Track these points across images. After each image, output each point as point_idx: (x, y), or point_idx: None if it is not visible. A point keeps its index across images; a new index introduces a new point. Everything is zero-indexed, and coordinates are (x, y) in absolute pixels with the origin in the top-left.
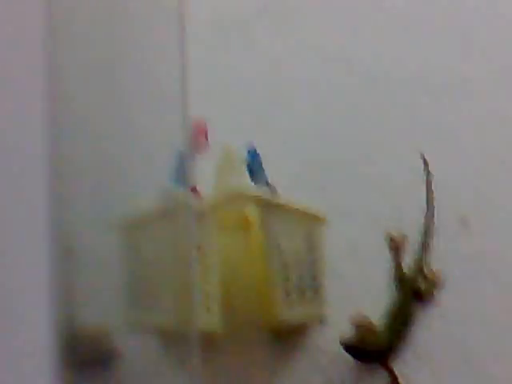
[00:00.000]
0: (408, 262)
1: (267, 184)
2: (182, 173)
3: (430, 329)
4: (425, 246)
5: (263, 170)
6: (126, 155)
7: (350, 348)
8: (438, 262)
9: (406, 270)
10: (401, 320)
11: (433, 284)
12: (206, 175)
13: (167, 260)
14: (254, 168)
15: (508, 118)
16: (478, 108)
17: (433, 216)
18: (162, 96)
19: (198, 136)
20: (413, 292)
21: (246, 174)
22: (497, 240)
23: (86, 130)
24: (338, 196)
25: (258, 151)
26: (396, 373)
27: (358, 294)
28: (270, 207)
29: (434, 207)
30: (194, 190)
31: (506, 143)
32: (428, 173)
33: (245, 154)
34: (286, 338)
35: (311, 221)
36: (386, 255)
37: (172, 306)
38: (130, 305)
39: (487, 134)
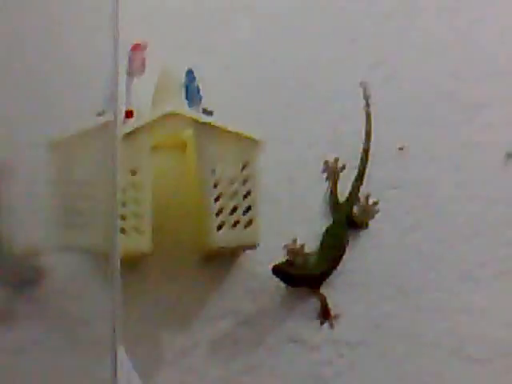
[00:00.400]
0: (344, 189)
1: (204, 107)
2: (115, 94)
3: (363, 257)
4: (361, 174)
5: (200, 93)
6: (58, 76)
7: (280, 273)
8: (374, 191)
9: (341, 197)
10: (334, 247)
11: (368, 212)
12: (143, 97)
13: (97, 181)
14: (191, 90)
15: (449, 48)
16: (420, 38)
17: (370, 144)
18: (93, 18)
19: (136, 58)
20: (347, 219)
21: (183, 96)
22: (433, 169)
23: (18, 50)
24: (276, 121)
25: (195, 74)
26: (327, 299)
27: (293, 219)
28: (205, 130)
29: (371, 135)
30: (129, 112)
31: (447, 73)
32: (367, 100)
33: (182, 77)
34: (218, 261)
35: (247, 145)
36: (322, 182)
37: (101, 227)
38: (59, 225)
39: (428, 64)
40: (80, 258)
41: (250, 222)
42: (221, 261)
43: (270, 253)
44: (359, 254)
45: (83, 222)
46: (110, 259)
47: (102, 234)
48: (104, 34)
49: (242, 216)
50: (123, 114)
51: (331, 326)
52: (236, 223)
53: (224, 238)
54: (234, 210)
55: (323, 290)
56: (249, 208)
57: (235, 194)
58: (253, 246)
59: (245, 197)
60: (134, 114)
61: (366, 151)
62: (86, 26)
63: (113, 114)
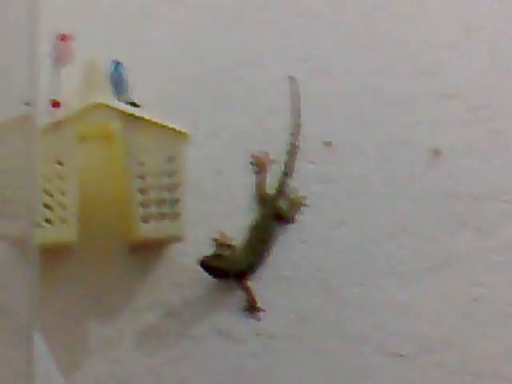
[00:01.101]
0: (271, 183)
1: (131, 99)
2: (35, 84)
3: (290, 250)
4: (288, 168)
5: (127, 85)
6: None
7: (207, 266)
8: (302, 185)
9: (268, 190)
10: (260, 240)
11: (294, 206)
12: (70, 88)
13: (19, 170)
14: (118, 82)
15: (378, 44)
16: (349, 33)
17: (298, 138)
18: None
19: (62, 48)
20: (274, 213)
21: (110, 87)
22: (360, 165)
23: None
24: (204, 114)
25: (123, 65)
26: (254, 292)
27: (220, 212)
28: (132, 122)
29: (299, 129)
30: (56, 102)
31: (375, 70)
32: (295, 94)
33: (110, 68)
34: (145, 253)
35: (174, 138)
36: (250, 175)
37: (22, 216)
38: None
39: (356, 60)
40: (1, 247)
41: (176, 215)
42: (148, 253)
43: (197, 245)
44: (286, 247)
45: (5, 211)
46: (28, 248)
47: (23, 223)
48: (26, 24)
49: (168, 208)
50: (50, 104)
51: (257, 318)
52: (162, 216)
53: (149, 230)
54: (161, 202)
55: (250, 282)
56: (175, 201)
57: (161, 186)
58: (179, 239)
59: (171, 189)
60: (62, 104)
61: (293, 145)
62: (7, 15)
63: (36, 103)
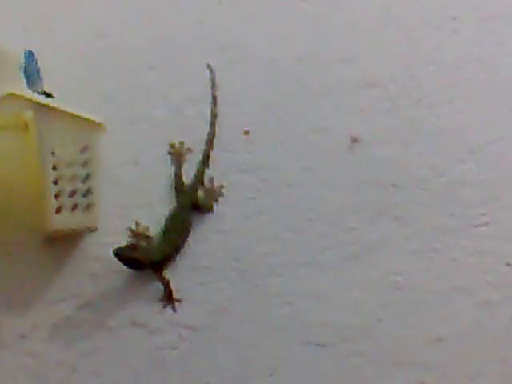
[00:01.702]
0: (189, 173)
1: (44, 89)
2: None
3: (207, 240)
4: (206, 158)
5: (40, 74)
6: None
7: (122, 256)
8: (219, 174)
9: (186, 180)
10: (178, 230)
11: (212, 196)
12: None
13: None
14: (31, 72)
15: (296, 32)
16: (268, 21)
17: (216, 127)
18: None
19: None
20: (191, 203)
21: (23, 77)
22: (279, 154)
23: None
24: (121, 102)
25: (35, 55)
26: (170, 283)
27: (137, 203)
28: (44, 112)
29: (217, 118)
30: None
31: (294, 58)
32: (213, 83)
33: (22, 58)
34: (60, 244)
35: (87, 127)
36: (168, 165)
37: None
38: None
39: (275, 48)
40: None
41: (90, 205)
42: (62, 244)
43: (112, 236)
44: (203, 237)
45: None
46: None
47: None
48: None
49: (81, 199)
50: None
51: (174, 309)
52: (75, 206)
53: (62, 220)
54: (74, 193)
55: (166, 273)
56: (89, 191)
57: (74, 176)
58: (93, 229)
59: (85, 180)
60: None
61: (211, 135)
62: None
63: None
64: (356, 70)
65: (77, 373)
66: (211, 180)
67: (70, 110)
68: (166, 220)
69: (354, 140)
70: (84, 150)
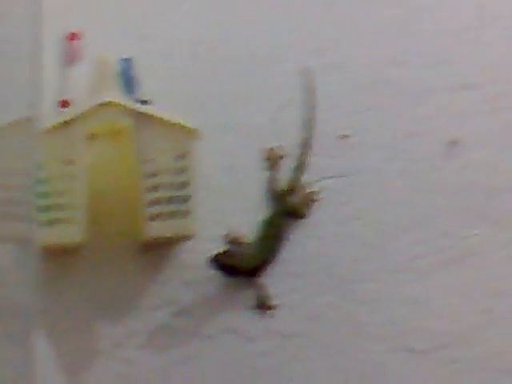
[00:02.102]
0: (284, 178)
1: (141, 96)
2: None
3: (302, 247)
4: (301, 163)
5: (137, 82)
6: None
7: (218, 263)
8: (315, 180)
9: (281, 186)
10: (273, 237)
11: (307, 202)
12: (80, 87)
13: (20, 172)
14: (128, 79)
15: (393, 35)
16: (364, 25)
17: (311, 132)
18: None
19: (72, 47)
20: (286, 209)
21: (120, 85)
22: (374, 159)
23: None
24: (216, 109)
25: (132, 62)
26: (265, 290)
27: (232, 209)
28: (141, 119)
29: (313, 122)
30: (64, 101)
31: (389, 61)
32: (309, 88)
33: (119, 65)
34: (155, 251)
35: (184, 134)
36: (262, 171)
37: (24, 218)
38: None
39: (371, 52)
40: (7, 248)
41: (186, 213)
42: (158, 251)
43: (208, 243)
44: (298, 243)
45: (7, 212)
46: (29, 249)
47: (25, 224)
48: (28, 24)
49: (177, 206)
50: (59, 104)
51: (269, 316)
52: (172, 214)
53: (159, 228)
54: (171, 200)
55: (262, 280)
56: (186, 198)
57: (171, 184)
58: (189, 237)
59: (181, 187)
60: (70, 103)
61: (306, 140)
62: (9, 16)
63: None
64: (453, 71)
65: (171, 380)
66: (306, 185)
67: (166, 116)
68: (261, 226)
69: (453, 143)
70: (181, 156)
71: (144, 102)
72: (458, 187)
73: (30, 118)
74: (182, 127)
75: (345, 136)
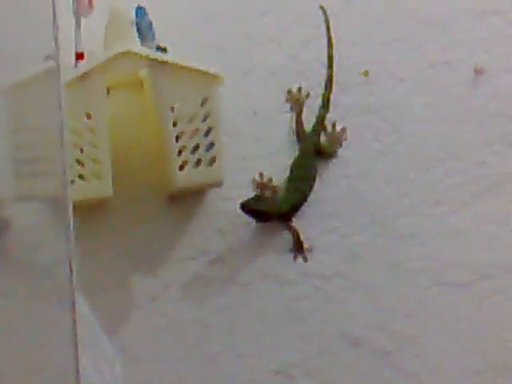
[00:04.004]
0: (310, 118)
1: (158, 44)
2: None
3: (333, 186)
4: (326, 101)
5: (153, 29)
6: (6, 22)
7: (249, 209)
8: (341, 118)
9: (307, 126)
10: (303, 178)
11: (335, 140)
12: (94, 38)
13: (47, 128)
14: (143, 27)
15: None
16: None
17: (333, 69)
18: None
19: None
20: (315, 149)
21: (136, 34)
22: (400, 92)
23: None
24: (235, 52)
25: (146, 10)
26: (299, 232)
27: (259, 153)
28: (160, 67)
29: (333, 60)
30: (79, 54)
31: None
32: (327, 24)
33: (133, 14)
34: (184, 201)
35: (206, 81)
36: (287, 113)
37: (54, 175)
38: (15, 174)
39: None
40: (39, 207)
41: (213, 160)
42: (187, 200)
43: (237, 189)
44: (329, 183)
45: (35, 170)
46: (61, 206)
47: (55, 181)
48: None
49: (204, 153)
50: (75, 57)
51: (305, 259)
52: (199, 161)
53: (187, 177)
54: (196, 147)
55: (294, 222)
56: (211, 145)
57: (196, 131)
58: (218, 184)
59: (206, 134)
60: (85, 55)
61: (329, 77)
62: None
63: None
64: None
65: (210, 330)
66: (333, 124)
67: (186, 63)
68: (291, 168)
69: (478, 71)
70: (203, 103)
71: (161, 50)
72: (487, 115)
73: (53, 70)
74: (203, 73)
75: (365, 72)
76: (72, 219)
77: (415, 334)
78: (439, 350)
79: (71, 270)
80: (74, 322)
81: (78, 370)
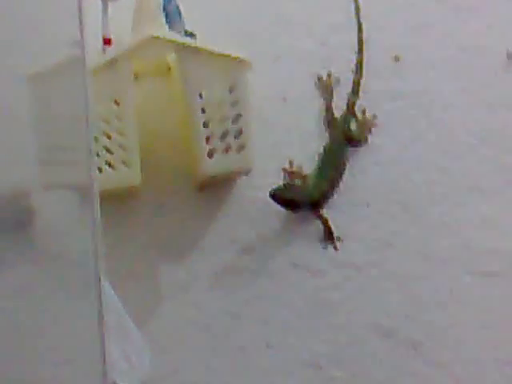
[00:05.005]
0: (340, 104)
1: (186, 29)
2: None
3: (364, 174)
4: (356, 88)
5: (181, 14)
6: (32, 8)
7: (279, 198)
8: (371, 104)
9: (337, 113)
10: (333, 166)
11: (365, 127)
12: (122, 23)
13: (74, 115)
14: (171, 12)
15: None
16: None
17: (363, 55)
18: None
19: None
20: (345, 136)
21: (163, 19)
22: (431, 78)
23: None
24: (264, 38)
25: None
26: (329, 221)
27: (288, 141)
28: (189, 53)
29: (364, 46)
30: (106, 39)
31: None
32: (358, 9)
33: None
34: (213, 189)
35: (235, 66)
36: (317, 99)
37: (81, 163)
38: (41, 163)
39: None
40: (65, 196)
41: (242, 147)
42: (215, 189)
43: (267, 177)
44: (360, 171)
45: (62, 158)
46: (88, 195)
47: (82, 169)
48: None
49: (233, 141)
50: (102, 42)
51: (335, 248)
52: (227, 149)
53: (215, 164)
54: (225, 134)
55: (325, 211)
56: (240, 132)
57: (224, 118)
58: (247, 172)
59: (235, 120)
60: (113, 41)
61: (359, 63)
62: None
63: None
64: None
65: (241, 321)
66: (363, 110)
67: (214, 49)
68: (321, 156)
69: (510, 55)
70: (232, 89)
71: (189, 35)
72: None
73: (79, 56)
74: (232, 58)
75: (397, 57)
76: (98, 208)
77: (447, 325)
78: (471, 341)
79: (97, 260)
80: (101, 311)
81: (104, 360)
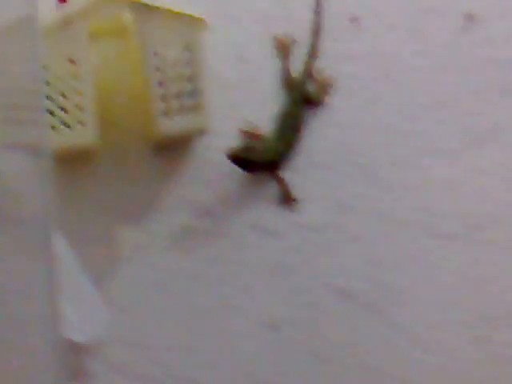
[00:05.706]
0: (297, 66)
1: None
2: None
3: (322, 135)
4: (314, 48)
5: None
6: None
7: (237, 159)
8: (329, 65)
9: (294, 74)
10: (291, 127)
11: (323, 88)
12: None
13: (25, 74)
14: None
15: None
16: None
17: (322, 16)
18: None
19: None
20: (303, 97)
21: None
22: (389, 39)
23: None
24: None
25: None
26: (288, 183)
27: (245, 102)
28: (145, 11)
29: (323, 6)
30: None
31: None
32: None
33: None
34: (170, 150)
35: (191, 25)
36: (274, 60)
37: (35, 123)
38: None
39: None
40: (20, 155)
41: (198, 107)
42: (172, 150)
43: (224, 138)
44: (318, 133)
45: (15, 118)
46: (42, 154)
47: (35, 128)
48: None
49: (188, 100)
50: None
51: (294, 210)
52: (183, 108)
53: (171, 124)
54: (180, 94)
55: (283, 173)
56: (196, 92)
57: (180, 77)
58: (204, 132)
59: (191, 80)
60: None
61: (317, 24)
62: None
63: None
64: None
65: (199, 282)
66: (321, 72)
67: (170, 7)
68: (278, 117)
69: (469, 17)
70: (188, 48)
71: None
72: (479, 62)
73: (31, 16)
74: (187, 17)
75: (354, 18)
76: (51, 167)
77: (405, 286)
78: (429, 303)
79: (48, 217)
80: (51, 269)
81: (56, 317)
